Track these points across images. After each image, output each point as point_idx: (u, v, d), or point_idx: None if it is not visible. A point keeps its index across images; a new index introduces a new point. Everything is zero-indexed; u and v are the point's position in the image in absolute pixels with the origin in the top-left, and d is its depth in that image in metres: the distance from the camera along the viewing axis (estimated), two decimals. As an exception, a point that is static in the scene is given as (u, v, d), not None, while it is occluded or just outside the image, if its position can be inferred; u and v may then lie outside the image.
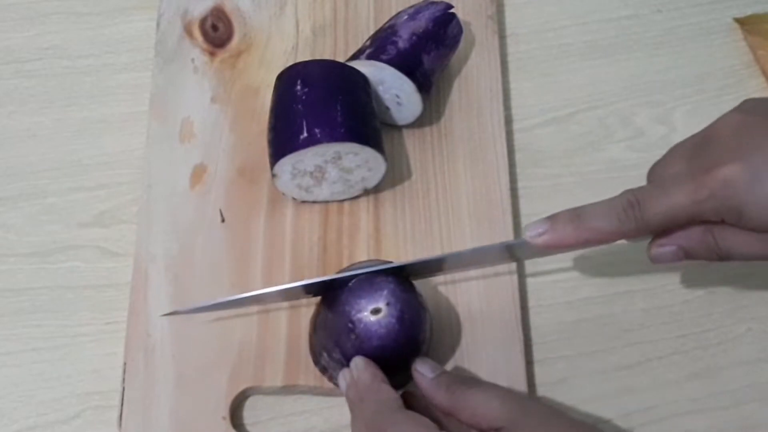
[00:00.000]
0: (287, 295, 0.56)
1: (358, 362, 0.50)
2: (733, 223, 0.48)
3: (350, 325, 0.51)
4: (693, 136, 0.52)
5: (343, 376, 0.51)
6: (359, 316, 0.51)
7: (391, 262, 0.54)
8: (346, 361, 0.51)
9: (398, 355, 0.51)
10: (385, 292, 0.51)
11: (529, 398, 0.55)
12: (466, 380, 0.50)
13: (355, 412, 0.49)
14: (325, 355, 0.53)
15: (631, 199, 0.50)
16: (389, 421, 0.47)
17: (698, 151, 0.50)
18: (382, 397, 0.49)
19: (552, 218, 0.51)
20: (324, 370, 0.54)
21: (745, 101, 0.51)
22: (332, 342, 0.52)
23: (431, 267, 0.56)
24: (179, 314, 0.55)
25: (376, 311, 0.51)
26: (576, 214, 0.50)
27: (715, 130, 0.50)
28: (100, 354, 0.57)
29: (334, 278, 0.53)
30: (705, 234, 0.50)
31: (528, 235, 0.51)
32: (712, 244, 0.50)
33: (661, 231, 0.51)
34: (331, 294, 0.53)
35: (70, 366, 0.57)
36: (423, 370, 0.51)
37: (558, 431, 0.47)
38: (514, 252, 0.56)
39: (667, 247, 0.51)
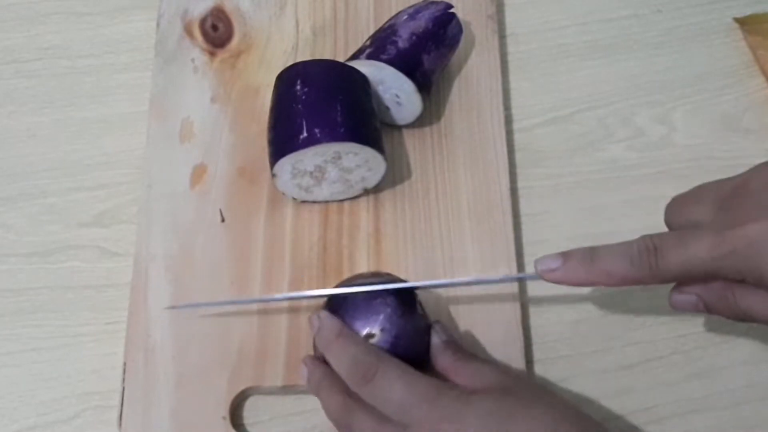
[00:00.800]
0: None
1: (322, 314, 0.52)
2: (755, 284, 0.46)
3: None
4: (722, 182, 0.49)
5: (312, 323, 0.52)
6: None
7: (394, 278, 0.54)
8: None
9: None
10: (381, 317, 0.51)
11: (525, 378, 0.56)
12: (473, 354, 0.52)
13: (322, 398, 0.51)
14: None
15: (649, 245, 0.48)
16: (350, 414, 0.49)
17: (726, 202, 0.48)
18: (341, 389, 0.50)
19: (565, 255, 0.49)
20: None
21: None
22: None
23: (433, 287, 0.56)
24: (180, 309, 0.55)
25: (369, 336, 0.51)
26: (590, 254, 0.49)
27: (746, 182, 0.48)
28: (100, 354, 0.57)
29: (336, 293, 0.53)
30: (725, 290, 0.48)
31: (539, 269, 0.50)
32: (731, 301, 0.48)
33: (677, 282, 0.49)
34: (333, 303, 0.53)
35: (70, 366, 0.57)
36: (438, 329, 0.52)
37: (548, 403, 0.48)
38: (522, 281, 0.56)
39: (686, 295, 0.50)
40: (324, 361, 0.51)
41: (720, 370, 0.58)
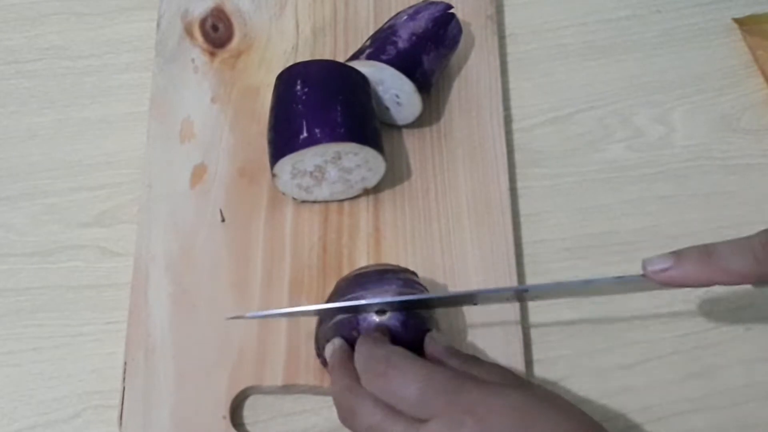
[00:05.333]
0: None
1: (335, 341, 0.52)
2: None
3: (354, 321, 0.51)
4: None
5: (328, 349, 0.52)
6: (364, 314, 0.52)
7: (397, 268, 0.54)
8: None
9: None
10: (393, 288, 0.52)
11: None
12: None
13: (332, 380, 0.51)
14: (327, 347, 0.53)
15: None
16: (355, 398, 0.48)
17: None
18: (352, 374, 0.49)
19: (678, 254, 0.47)
20: (326, 363, 0.54)
21: None
22: (336, 336, 0.53)
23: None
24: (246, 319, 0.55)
25: (381, 312, 0.51)
26: (707, 251, 0.47)
27: None
28: (100, 353, 0.57)
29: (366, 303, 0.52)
30: None
31: (649, 269, 0.47)
32: None
33: None
34: (341, 289, 0.54)
35: (70, 365, 0.57)
36: (435, 336, 0.52)
37: (565, 404, 0.47)
38: (618, 286, 0.52)
39: None
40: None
41: (719, 370, 0.58)
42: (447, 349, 0.51)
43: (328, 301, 0.54)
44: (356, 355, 0.50)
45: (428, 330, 0.53)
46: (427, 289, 0.54)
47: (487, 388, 0.46)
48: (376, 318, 0.51)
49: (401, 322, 0.51)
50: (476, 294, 0.54)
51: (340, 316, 0.53)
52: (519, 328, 0.57)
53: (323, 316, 0.54)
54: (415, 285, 0.53)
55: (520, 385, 0.48)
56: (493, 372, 0.49)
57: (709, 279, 0.46)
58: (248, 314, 0.54)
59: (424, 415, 0.45)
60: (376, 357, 0.48)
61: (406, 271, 0.54)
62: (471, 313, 0.58)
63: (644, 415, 0.56)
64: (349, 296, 0.52)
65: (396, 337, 0.51)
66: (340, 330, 0.52)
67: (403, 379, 0.46)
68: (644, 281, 0.48)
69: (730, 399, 0.57)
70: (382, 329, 0.51)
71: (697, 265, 0.46)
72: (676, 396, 0.57)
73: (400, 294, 0.52)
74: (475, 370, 0.49)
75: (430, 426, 0.45)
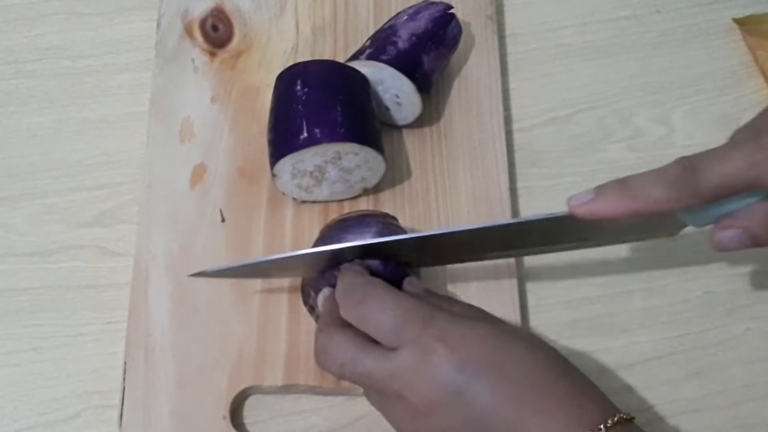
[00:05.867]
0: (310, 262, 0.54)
1: (325, 290, 0.53)
2: None
3: (337, 269, 0.52)
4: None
5: (320, 299, 0.53)
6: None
7: (382, 213, 0.56)
8: None
9: None
10: (373, 230, 0.52)
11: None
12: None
13: (318, 325, 0.52)
14: (313, 294, 0.54)
15: (686, 164, 0.46)
16: (329, 337, 0.49)
17: (761, 117, 0.48)
18: (332, 316, 0.50)
19: (598, 187, 0.48)
20: (312, 309, 0.54)
21: None
22: (321, 280, 0.53)
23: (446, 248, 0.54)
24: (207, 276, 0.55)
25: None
26: (624, 182, 0.47)
27: None
28: (100, 353, 0.57)
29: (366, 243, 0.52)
30: None
31: (571, 204, 0.48)
32: None
33: (716, 199, 0.47)
34: (324, 236, 0.54)
35: (70, 365, 0.57)
36: (414, 281, 0.53)
37: (538, 341, 0.49)
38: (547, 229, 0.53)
39: (731, 230, 0.48)
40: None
41: (719, 370, 0.58)
42: (425, 290, 0.52)
43: (315, 245, 0.55)
44: (337, 286, 0.51)
45: (407, 276, 0.53)
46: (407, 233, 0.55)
47: (460, 320, 0.47)
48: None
49: (382, 263, 0.52)
50: (441, 237, 0.53)
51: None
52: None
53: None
54: (396, 228, 0.54)
55: (492, 320, 0.50)
56: (467, 308, 0.51)
57: (629, 208, 0.47)
58: (209, 270, 0.54)
59: (396, 343, 0.47)
60: (355, 286, 0.50)
61: (386, 215, 0.55)
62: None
63: (644, 415, 0.56)
64: (333, 244, 0.53)
65: (376, 275, 0.52)
66: (327, 278, 0.53)
67: (379, 307, 0.48)
68: (573, 220, 0.49)
69: (730, 399, 0.57)
70: (364, 265, 0.52)
71: (616, 195, 0.47)
72: (677, 396, 0.57)
73: (380, 236, 0.52)
74: (450, 306, 0.50)
75: (401, 352, 0.46)
